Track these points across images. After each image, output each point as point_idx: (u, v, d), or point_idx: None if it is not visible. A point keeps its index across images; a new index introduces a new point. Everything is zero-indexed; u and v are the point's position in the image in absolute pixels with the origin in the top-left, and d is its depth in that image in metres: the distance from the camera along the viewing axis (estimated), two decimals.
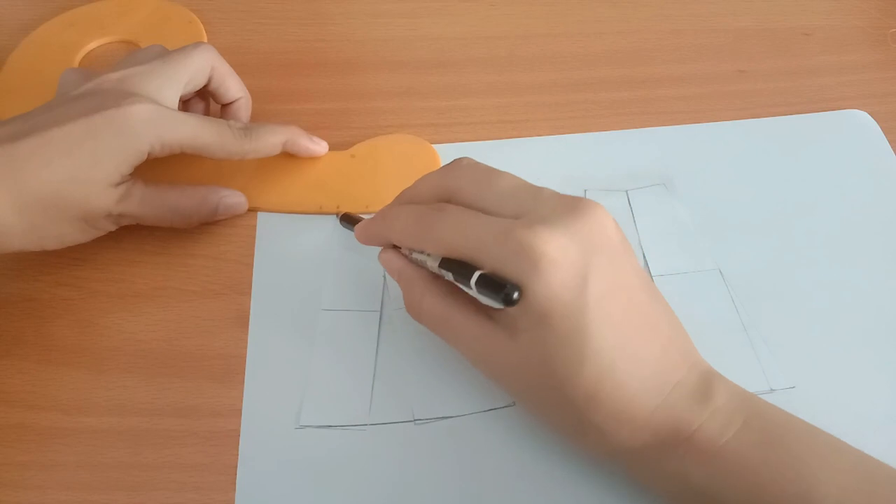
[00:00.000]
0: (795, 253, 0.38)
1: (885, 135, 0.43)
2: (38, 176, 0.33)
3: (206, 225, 0.39)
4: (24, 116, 0.34)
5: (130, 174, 0.35)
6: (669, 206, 0.40)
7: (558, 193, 0.29)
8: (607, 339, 0.27)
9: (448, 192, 0.31)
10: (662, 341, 0.28)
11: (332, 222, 0.39)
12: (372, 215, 0.34)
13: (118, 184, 0.35)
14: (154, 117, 0.35)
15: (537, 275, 0.26)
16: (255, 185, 0.41)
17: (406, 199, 0.33)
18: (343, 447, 0.33)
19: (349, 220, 0.38)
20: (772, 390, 0.34)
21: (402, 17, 0.50)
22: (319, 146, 0.41)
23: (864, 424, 0.32)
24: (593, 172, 0.41)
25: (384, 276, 0.37)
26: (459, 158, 0.32)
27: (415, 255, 0.31)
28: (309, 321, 0.36)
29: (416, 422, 0.33)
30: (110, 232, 0.37)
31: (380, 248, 0.33)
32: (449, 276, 0.29)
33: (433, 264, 0.30)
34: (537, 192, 0.29)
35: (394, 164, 0.42)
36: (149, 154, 0.35)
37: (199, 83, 0.39)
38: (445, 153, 0.42)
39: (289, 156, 0.41)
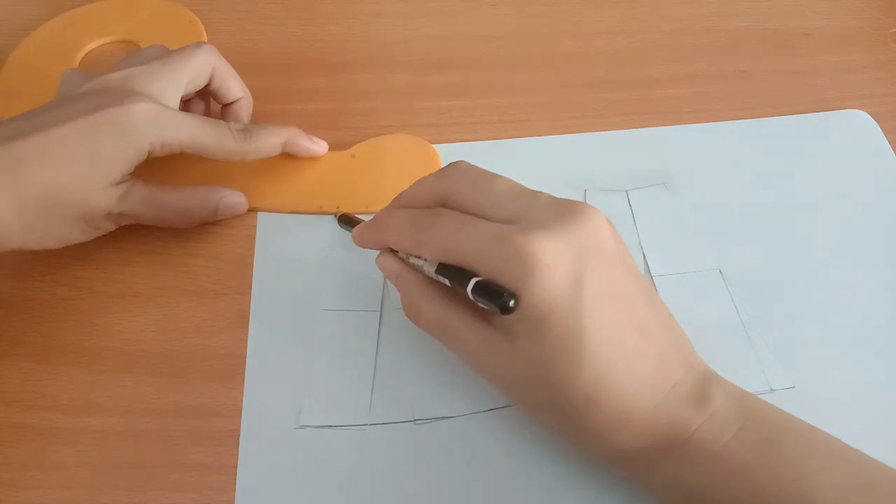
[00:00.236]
0: (795, 253, 0.38)
1: (885, 135, 0.43)
2: (39, 175, 0.33)
3: (206, 225, 0.39)
4: (24, 116, 0.34)
5: (131, 174, 0.35)
6: (669, 206, 0.40)
7: (554, 197, 0.29)
8: (604, 342, 0.27)
9: (444, 196, 0.31)
10: (660, 344, 0.28)
11: (333, 222, 0.39)
12: (371, 216, 0.34)
13: (118, 183, 0.35)
14: (155, 116, 0.35)
15: (533, 280, 0.26)
16: (256, 185, 0.41)
17: (402, 203, 0.33)
18: (343, 447, 0.33)
19: (347, 222, 0.38)
20: (772, 390, 0.34)
21: (402, 17, 0.50)
22: (319, 146, 0.41)
23: (864, 424, 0.32)
24: (593, 172, 0.41)
25: (384, 277, 0.37)
26: (456, 162, 0.32)
27: (412, 260, 0.31)
28: (309, 321, 0.36)
29: (416, 422, 0.33)
30: (110, 232, 0.37)
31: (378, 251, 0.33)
32: (446, 281, 0.29)
33: (430, 269, 0.30)
34: (533, 195, 0.29)
35: (394, 164, 0.42)
36: (149, 153, 0.35)
37: (200, 83, 0.39)
38: (445, 153, 0.42)
39: (289, 156, 0.41)
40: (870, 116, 0.44)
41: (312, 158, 0.41)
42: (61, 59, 0.47)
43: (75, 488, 0.32)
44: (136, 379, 0.35)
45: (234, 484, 0.32)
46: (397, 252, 0.32)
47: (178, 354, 0.36)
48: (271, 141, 0.39)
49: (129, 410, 0.34)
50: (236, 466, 0.32)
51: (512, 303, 0.26)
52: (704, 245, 0.39)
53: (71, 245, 0.36)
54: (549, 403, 0.28)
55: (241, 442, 0.33)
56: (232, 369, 0.35)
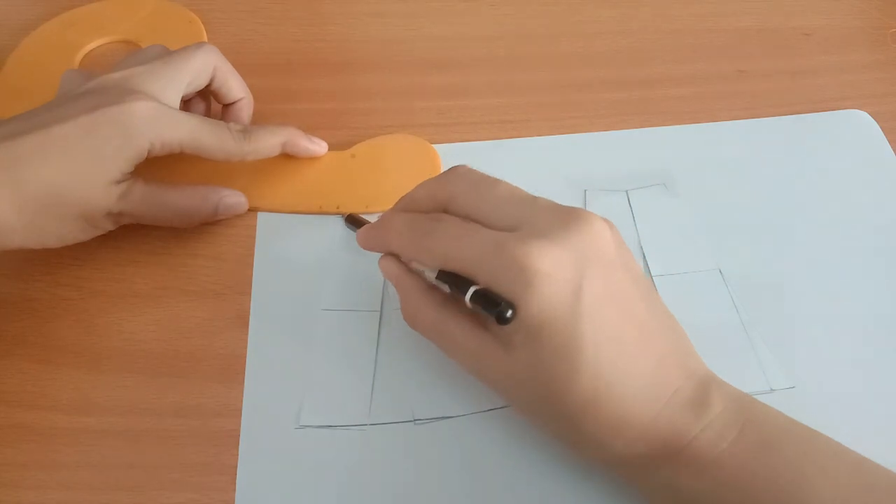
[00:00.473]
0: (795, 253, 0.38)
1: (885, 135, 0.43)
2: (39, 174, 0.33)
3: (206, 225, 0.39)
4: (25, 115, 0.34)
5: (131, 173, 0.35)
6: (669, 206, 0.40)
7: (554, 204, 0.29)
8: (601, 352, 0.26)
9: (445, 201, 0.31)
10: (659, 351, 0.28)
11: (332, 222, 0.39)
12: (375, 215, 0.34)
13: (118, 182, 0.35)
14: (155, 115, 0.35)
15: (530, 290, 0.26)
16: (256, 185, 0.41)
17: (404, 206, 0.33)
18: (343, 447, 0.33)
19: (354, 222, 0.38)
20: (772, 390, 0.34)
21: (402, 17, 0.50)
22: (318, 146, 0.41)
23: (863, 424, 0.32)
24: (593, 172, 0.41)
25: (384, 277, 0.37)
26: (456, 166, 0.32)
27: (414, 264, 0.31)
28: (309, 321, 0.36)
29: (416, 422, 0.33)
30: (110, 232, 0.37)
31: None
32: (446, 287, 0.29)
33: (430, 275, 0.30)
34: (533, 201, 0.29)
35: (394, 164, 0.42)
36: (149, 153, 0.35)
37: (200, 83, 0.39)
38: (445, 153, 0.42)
39: (289, 156, 0.41)
40: (870, 116, 0.44)
41: (312, 158, 0.41)
42: (61, 59, 0.47)
43: (75, 488, 0.32)
44: (136, 379, 0.35)
45: (234, 484, 0.32)
46: (400, 256, 0.32)
47: (178, 354, 0.36)
48: (271, 141, 0.39)
49: (129, 410, 0.34)
50: (236, 466, 0.32)
51: (509, 313, 0.26)
52: (704, 245, 0.39)
53: (71, 245, 0.36)
54: (546, 409, 0.28)
55: (241, 442, 0.33)
56: (232, 369, 0.35)
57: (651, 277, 0.37)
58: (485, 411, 0.33)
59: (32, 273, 0.38)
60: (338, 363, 0.35)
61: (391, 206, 0.38)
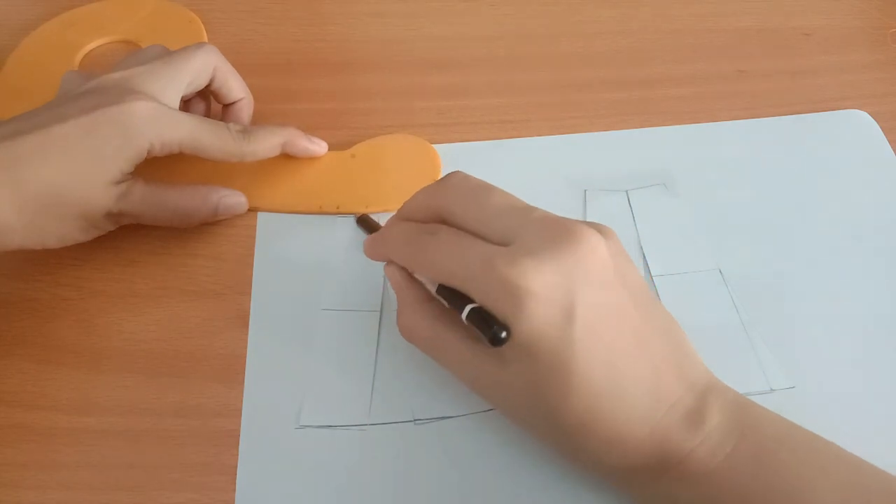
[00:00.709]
0: (795, 253, 0.38)
1: (885, 135, 0.43)
2: (39, 174, 0.33)
3: (206, 225, 0.39)
4: (25, 115, 0.34)
5: (131, 173, 0.35)
6: (669, 206, 0.40)
7: (548, 216, 0.28)
8: (595, 370, 0.26)
9: (440, 212, 0.30)
10: (656, 363, 0.28)
11: (332, 222, 0.39)
12: (384, 215, 0.33)
13: (118, 182, 0.35)
14: (154, 115, 0.35)
15: (521, 312, 0.26)
16: (256, 185, 0.41)
17: (403, 215, 0.32)
18: (343, 447, 0.33)
19: (364, 224, 0.38)
20: (772, 390, 0.34)
21: (402, 17, 0.50)
22: (318, 146, 0.41)
23: (863, 424, 0.32)
24: (593, 172, 0.41)
25: (384, 277, 0.37)
26: (451, 174, 0.31)
27: (417, 274, 0.31)
28: (309, 321, 0.36)
29: (416, 422, 0.33)
30: (110, 232, 0.37)
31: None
32: (444, 302, 0.29)
33: (432, 288, 0.30)
34: (527, 212, 0.28)
35: (394, 164, 0.42)
36: (148, 153, 0.35)
37: (200, 84, 0.39)
38: (445, 153, 0.42)
39: (289, 156, 0.41)
40: (870, 116, 0.44)
41: (312, 158, 0.41)
42: (61, 59, 0.47)
43: (75, 488, 0.32)
44: (136, 379, 0.35)
45: (234, 484, 0.32)
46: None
47: (178, 354, 0.35)
48: (270, 142, 0.39)
49: (129, 410, 0.34)
50: (236, 466, 0.32)
51: (504, 334, 0.26)
52: (704, 245, 0.39)
53: (71, 245, 0.36)
54: (541, 423, 0.28)
55: (241, 442, 0.33)
56: (232, 369, 0.35)
57: (651, 277, 0.37)
58: (485, 411, 0.33)
59: (32, 273, 0.38)
60: (338, 363, 0.35)
61: (392, 208, 0.39)
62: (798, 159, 0.42)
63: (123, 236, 0.38)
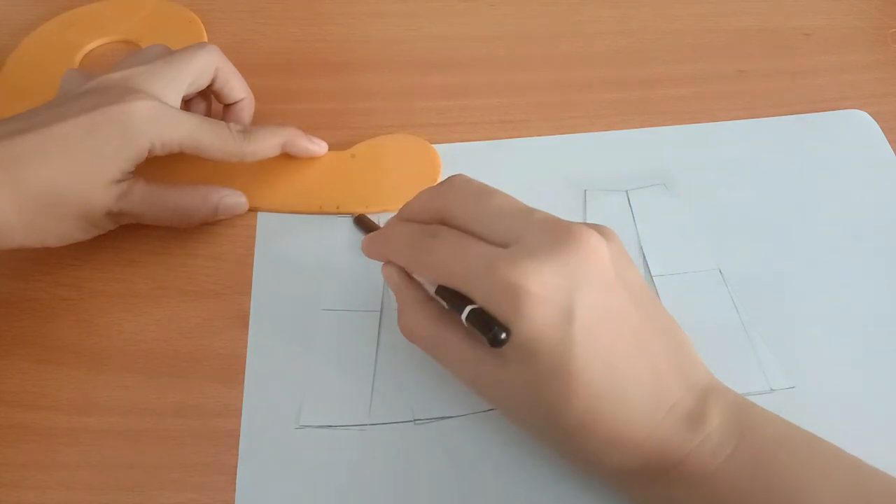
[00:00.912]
0: (795, 253, 0.38)
1: (885, 135, 0.43)
2: (39, 173, 0.33)
3: (206, 225, 0.39)
4: (25, 114, 0.34)
5: (132, 172, 0.35)
6: (669, 206, 0.40)
7: (549, 218, 0.28)
8: (595, 372, 0.26)
9: (441, 213, 0.30)
10: (656, 365, 0.28)
11: (332, 222, 0.40)
12: (384, 215, 0.33)
13: (119, 181, 0.35)
14: (155, 115, 0.35)
15: (521, 313, 0.26)
16: (256, 185, 0.41)
17: (405, 216, 0.32)
18: (343, 447, 0.33)
19: (362, 224, 0.38)
20: (772, 390, 0.34)
21: (402, 17, 0.50)
22: (318, 146, 0.41)
23: (864, 424, 0.32)
24: (593, 172, 0.41)
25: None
26: (453, 176, 0.31)
27: (416, 275, 0.31)
28: (309, 321, 0.36)
29: (416, 422, 0.33)
30: (110, 232, 0.37)
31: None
32: (444, 303, 0.29)
33: (431, 289, 0.30)
34: (528, 215, 0.28)
35: (394, 164, 0.42)
36: (149, 152, 0.35)
37: (202, 84, 0.39)
38: (445, 153, 0.42)
39: (289, 156, 0.41)
40: (870, 116, 0.44)
41: (312, 158, 0.41)
42: (61, 59, 0.47)
43: (75, 488, 0.32)
44: (136, 379, 0.35)
45: (234, 484, 0.32)
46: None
47: (178, 354, 0.36)
48: (271, 141, 0.39)
49: (129, 410, 0.34)
50: (236, 466, 0.32)
51: (503, 335, 0.26)
52: (704, 245, 0.39)
53: (71, 245, 0.36)
54: (540, 423, 0.28)
55: (241, 442, 0.33)
56: (232, 369, 0.35)
57: (651, 278, 0.37)
58: (485, 411, 0.33)
59: (32, 273, 0.38)
60: (338, 363, 0.35)
61: (392, 208, 0.39)
62: (798, 159, 0.42)
63: (123, 236, 0.38)
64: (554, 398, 0.27)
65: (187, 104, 0.41)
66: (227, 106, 0.42)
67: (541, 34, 0.49)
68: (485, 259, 0.27)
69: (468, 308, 0.27)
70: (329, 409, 0.34)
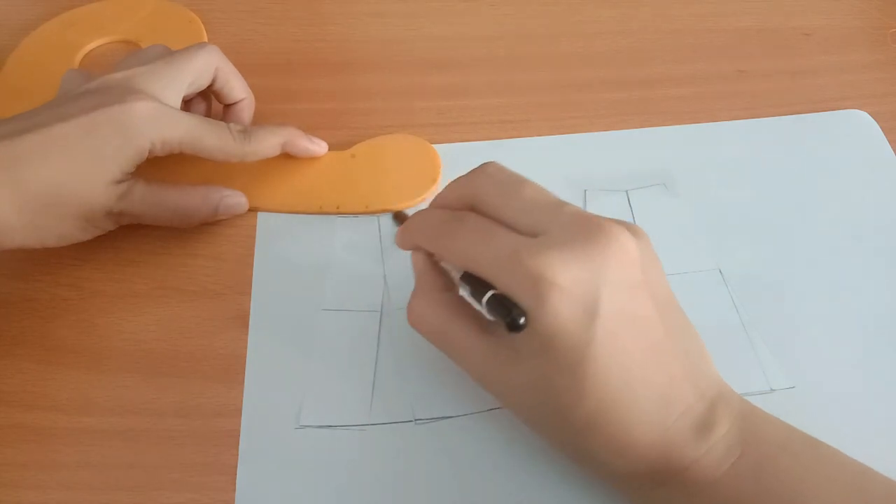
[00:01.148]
0: (795, 253, 0.38)
1: (885, 135, 0.43)
2: (39, 173, 0.33)
3: (206, 225, 0.39)
4: (25, 115, 0.34)
5: (132, 173, 0.35)
6: (669, 206, 0.40)
7: (580, 212, 0.28)
8: (610, 377, 0.26)
9: (471, 200, 0.30)
10: (671, 371, 0.27)
11: (333, 222, 0.40)
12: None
13: (119, 181, 0.35)
14: (155, 115, 0.35)
15: (543, 305, 0.25)
16: (256, 185, 0.40)
17: (437, 204, 0.32)
18: (343, 447, 0.33)
19: (400, 221, 0.38)
20: (772, 390, 0.34)
21: (402, 17, 0.50)
22: (318, 146, 0.41)
23: (864, 425, 0.32)
24: (593, 172, 0.41)
25: (384, 277, 0.37)
26: (486, 164, 0.31)
27: (443, 263, 0.31)
28: (309, 321, 0.36)
29: (417, 422, 0.33)
30: (110, 232, 0.37)
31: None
32: (467, 290, 0.29)
33: (456, 275, 0.30)
34: (558, 207, 0.28)
35: (394, 164, 0.42)
36: (149, 152, 0.35)
37: (202, 84, 0.39)
38: (445, 153, 0.42)
39: (289, 156, 0.41)
40: (870, 116, 0.44)
41: (312, 158, 0.41)
42: (61, 59, 0.47)
43: (75, 488, 0.32)
44: (136, 379, 0.35)
45: (234, 484, 0.32)
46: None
47: (178, 354, 0.35)
48: (271, 141, 0.39)
49: (129, 410, 0.34)
50: (236, 466, 0.32)
51: (522, 320, 0.25)
52: (704, 245, 0.39)
53: (71, 245, 0.36)
54: (548, 421, 0.28)
55: (241, 442, 0.33)
56: (232, 369, 0.35)
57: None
58: (485, 411, 0.33)
59: (32, 273, 0.38)
60: (338, 363, 0.35)
61: (392, 208, 0.39)
62: (798, 159, 0.42)
63: (123, 236, 0.38)
64: (565, 396, 0.26)
65: (187, 104, 0.41)
66: (228, 106, 0.42)
67: (541, 34, 0.49)
68: (510, 247, 0.27)
69: (490, 292, 0.27)
70: (329, 409, 0.34)
